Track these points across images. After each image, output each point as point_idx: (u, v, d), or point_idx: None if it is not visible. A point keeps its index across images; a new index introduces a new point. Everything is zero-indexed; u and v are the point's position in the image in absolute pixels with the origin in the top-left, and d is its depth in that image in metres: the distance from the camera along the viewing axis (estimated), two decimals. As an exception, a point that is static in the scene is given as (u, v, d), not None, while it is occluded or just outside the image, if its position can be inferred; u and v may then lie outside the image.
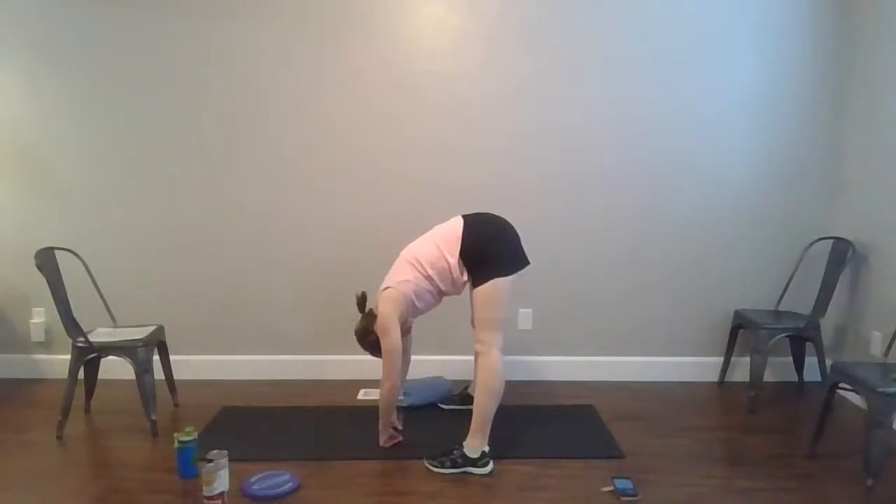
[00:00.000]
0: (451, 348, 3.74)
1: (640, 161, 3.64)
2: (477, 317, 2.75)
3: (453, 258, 2.72)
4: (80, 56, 3.55)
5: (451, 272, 2.74)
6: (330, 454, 2.82)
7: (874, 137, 3.39)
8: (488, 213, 2.85)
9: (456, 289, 2.82)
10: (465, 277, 2.74)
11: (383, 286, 2.81)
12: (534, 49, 3.55)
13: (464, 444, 2.70)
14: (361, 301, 2.92)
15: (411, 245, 2.86)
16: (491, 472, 2.67)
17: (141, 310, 3.68)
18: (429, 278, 2.76)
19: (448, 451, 2.72)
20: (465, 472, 2.67)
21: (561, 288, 3.74)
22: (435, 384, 3.42)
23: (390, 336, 2.71)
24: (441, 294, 2.86)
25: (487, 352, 2.70)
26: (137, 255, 3.70)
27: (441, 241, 2.76)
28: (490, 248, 2.72)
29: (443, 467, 2.68)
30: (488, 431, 2.70)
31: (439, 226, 2.85)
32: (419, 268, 2.76)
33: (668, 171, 3.65)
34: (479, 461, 2.68)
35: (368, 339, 2.87)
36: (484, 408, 2.68)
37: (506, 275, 2.70)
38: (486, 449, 2.70)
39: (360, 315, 2.93)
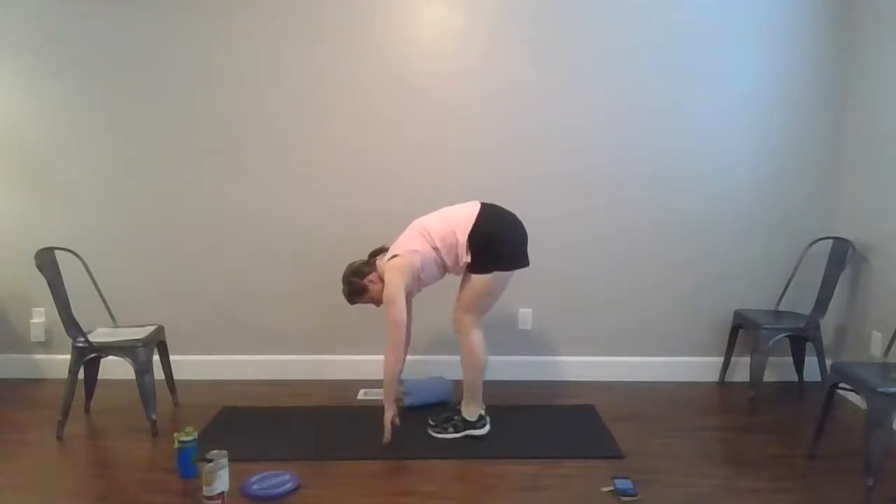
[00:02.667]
0: (451, 348, 3.70)
1: (640, 161, 3.64)
2: (466, 302, 2.84)
3: (463, 236, 2.78)
4: (80, 56, 3.55)
5: (457, 249, 2.80)
6: (330, 454, 2.82)
7: (874, 137, 3.39)
8: (504, 208, 2.91)
9: (457, 268, 2.88)
10: (468, 258, 2.78)
11: (390, 254, 2.86)
12: (534, 49, 3.55)
13: (461, 410, 2.94)
14: (377, 250, 3.01)
15: (422, 218, 2.93)
16: (488, 432, 2.93)
17: (141, 310, 3.69)
18: (436, 250, 2.82)
19: (449, 417, 2.97)
20: (466, 436, 2.92)
21: (561, 288, 3.74)
22: (435, 384, 3.41)
23: (396, 306, 2.75)
24: (444, 269, 2.91)
25: (468, 331, 2.87)
26: (137, 255, 3.70)
27: (454, 219, 2.84)
28: (499, 239, 2.79)
29: (445, 433, 2.92)
30: (480, 397, 2.95)
31: (454, 206, 2.92)
32: (429, 238, 2.82)
33: (668, 171, 3.65)
34: (477, 423, 2.93)
35: (352, 279, 2.93)
36: (472, 382, 2.91)
37: (507, 269, 2.80)
38: (482, 412, 2.94)
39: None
